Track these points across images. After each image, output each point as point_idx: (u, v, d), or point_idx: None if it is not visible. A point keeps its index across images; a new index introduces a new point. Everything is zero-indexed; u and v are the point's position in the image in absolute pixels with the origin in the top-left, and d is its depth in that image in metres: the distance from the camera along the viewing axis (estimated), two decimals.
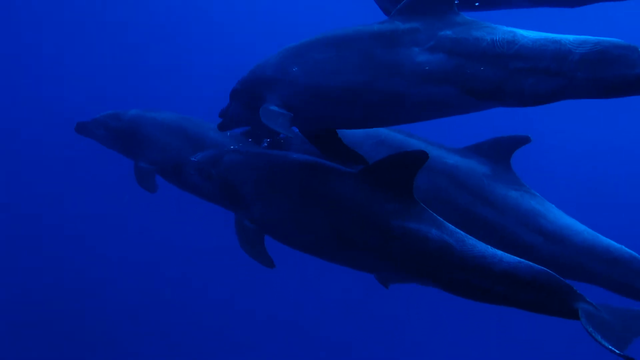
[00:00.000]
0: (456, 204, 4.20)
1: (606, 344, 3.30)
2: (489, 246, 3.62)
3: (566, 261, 4.13)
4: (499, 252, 3.58)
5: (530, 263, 3.56)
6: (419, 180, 3.91)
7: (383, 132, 4.47)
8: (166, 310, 12.35)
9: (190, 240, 12.36)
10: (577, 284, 3.73)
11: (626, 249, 4.16)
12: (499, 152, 4.42)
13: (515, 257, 3.58)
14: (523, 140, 4.41)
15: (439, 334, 11.74)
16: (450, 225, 3.68)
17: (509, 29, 3.52)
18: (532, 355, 11.44)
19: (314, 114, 3.83)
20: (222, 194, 4.19)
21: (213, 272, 12.19)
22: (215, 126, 4.37)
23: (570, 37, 3.44)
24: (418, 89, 3.55)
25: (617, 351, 3.29)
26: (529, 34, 3.48)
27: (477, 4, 4.96)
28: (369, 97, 3.63)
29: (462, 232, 3.67)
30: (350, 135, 4.26)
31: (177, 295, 12.54)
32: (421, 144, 4.39)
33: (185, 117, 5.24)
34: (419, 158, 3.61)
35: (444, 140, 4.57)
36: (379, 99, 3.63)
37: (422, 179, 3.99)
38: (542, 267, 3.56)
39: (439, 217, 3.70)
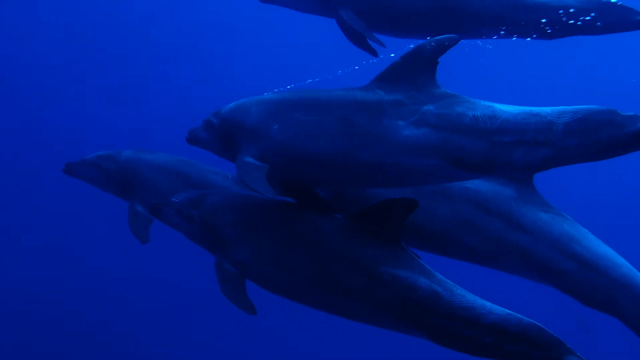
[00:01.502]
0: (485, 232, 4.03)
1: None
2: (478, 297, 3.57)
3: (599, 292, 3.97)
4: (488, 304, 3.53)
5: (520, 316, 3.51)
6: (440, 209, 3.93)
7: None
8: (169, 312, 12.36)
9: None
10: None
11: None
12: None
13: (504, 309, 3.52)
14: None
15: None
16: (439, 274, 3.63)
17: (488, 103, 3.58)
18: None
19: (291, 173, 3.81)
20: (203, 236, 4.10)
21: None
22: (215, 169, 4.42)
23: (547, 109, 3.51)
24: (404, 160, 3.56)
25: None
26: (507, 109, 3.53)
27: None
28: (350, 164, 3.63)
29: (450, 281, 3.62)
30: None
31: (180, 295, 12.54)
32: None
33: (182, 159, 5.18)
34: (409, 205, 3.56)
35: None
36: (361, 167, 3.63)
37: (443, 207, 3.97)
38: (532, 321, 3.51)
39: (427, 266, 3.65)
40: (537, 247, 4.00)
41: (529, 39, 5.30)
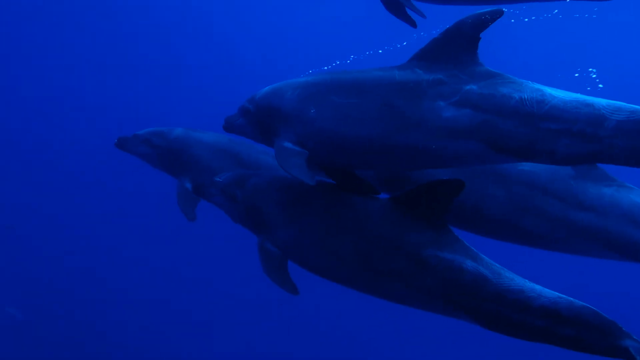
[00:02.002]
0: (546, 214, 3.84)
1: None
2: (527, 280, 3.46)
3: None
4: (538, 287, 3.43)
5: (571, 299, 3.39)
6: (494, 193, 3.79)
7: None
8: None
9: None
10: None
11: None
12: None
13: (554, 292, 3.41)
14: None
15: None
16: (486, 257, 3.52)
17: (537, 86, 3.39)
18: None
19: (330, 157, 3.70)
20: (246, 217, 4.05)
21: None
22: (265, 149, 4.29)
23: (602, 102, 3.29)
24: (444, 143, 3.42)
25: None
26: (558, 94, 3.33)
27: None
28: (390, 148, 3.51)
29: (497, 264, 3.50)
30: None
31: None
32: None
33: (233, 139, 5.11)
34: (456, 187, 3.45)
35: None
36: (401, 150, 3.51)
37: (499, 191, 3.82)
38: (585, 303, 3.38)
39: (473, 249, 3.54)
40: (606, 224, 3.81)
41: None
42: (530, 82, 3.44)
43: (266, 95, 3.86)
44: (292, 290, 3.85)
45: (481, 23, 3.41)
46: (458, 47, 3.48)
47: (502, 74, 3.47)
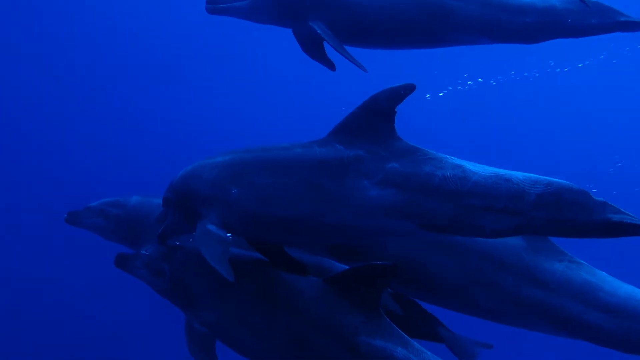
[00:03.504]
0: (499, 288, 3.78)
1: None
2: None
3: (638, 337, 3.72)
4: None
5: None
6: (446, 262, 3.75)
7: None
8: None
9: None
10: None
11: None
12: None
13: None
14: None
15: None
16: (417, 344, 3.44)
17: (457, 161, 3.43)
18: None
19: (256, 236, 3.65)
20: (173, 293, 3.89)
21: None
22: None
23: (519, 175, 3.38)
24: (372, 222, 3.40)
25: None
26: (477, 169, 3.39)
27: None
28: (318, 227, 3.45)
29: (428, 352, 3.42)
30: None
31: None
32: None
33: None
34: (388, 271, 3.39)
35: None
36: (330, 229, 3.46)
37: (449, 260, 3.76)
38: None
39: (405, 335, 3.45)
40: (558, 302, 3.76)
41: (512, 43, 5.10)
42: (449, 156, 3.48)
43: (182, 179, 3.74)
44: None
45: (396, 97, 3.44)
46: (375, 121, 3.49)
47: (421, 148, 3.50)
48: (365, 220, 3.38)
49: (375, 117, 3.48)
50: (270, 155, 3.58)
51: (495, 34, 4.97)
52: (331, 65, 5.12)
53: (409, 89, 3.41)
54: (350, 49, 4.79)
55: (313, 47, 5.00)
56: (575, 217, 3.32)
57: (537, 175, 3.39)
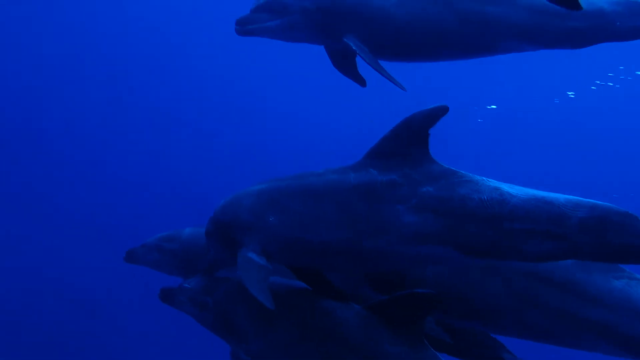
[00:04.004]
0: (552, 308, 3.65)
1: None
2: None
3: None
4: None
5: None
6: (491, 284, 3.64)
7: None
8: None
9: None
10: None
11: None
12: None
13: None
14: None
15: None
16: None
17: (494, 184, 3.34)
18: None
19: (294, 262, 3.66)
20: (217, 324, 3.91)
21: None
22: None
23: (561, 198, 3.26)
24: (409, 249, 3.35)
25: None
26: (517, 192, 3.29)
27: None
28: (354, 254, 3.44)
29: None
30: None
31: None
32: None
33: None
34: (431, 299, 3.33)
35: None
36: (366, 255, 3.44)
37: (494, 282, 3.65)
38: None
39: None
40: (619, 320, 3.60)
41: (558, 48, 4.84)
42: (486, 179, 3.39)
43: (223, 209, 3.80)
44: None
45: (429, 118, 3.38)
46: (408, 144, 3.44)
47: (456, 171, 3.42)
48: (401, 246, 3.33)
49: (409, 140, 3.43)
50: (306, 182, 3.59)
51: (540, 41, 4.74)
52: (362, 82, 5.06)
53: (442, 110, 3.35)
54: (386, 64, 4.69)
55: (346, 64, 4.94)
56: (622, 242, 3.18)
57: (580, 198, 3.27)
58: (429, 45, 4.76)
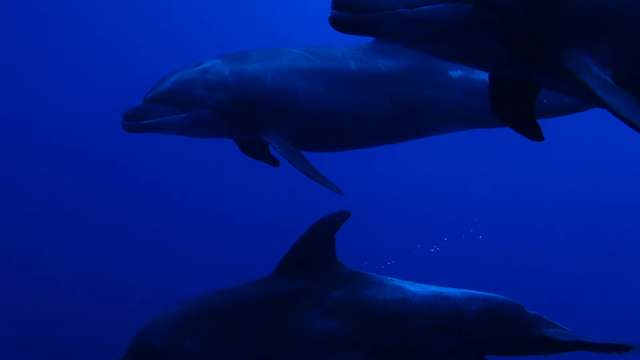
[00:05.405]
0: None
1: None
2: None
3: None
4: None
5: None
6: None
7: None
8: None
9: None
10: None
11: None
12: None
13: None
14: None
15: None
16: None
17: (396, 283, 3.52)
18: None
19: None
20: None
21: None
22: None
23: (457, 293, 3.47)
24: (323, 356, 3.49)
25: None
26: (417, 289, 3.47)
27: None
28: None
29: None
30: None
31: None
32: None
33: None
34: None
35: None
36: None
37: None
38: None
39: None
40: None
41: (492, 128, 4.62)
42: (390, 278, 3.55)
43: (138, 337, 3.97)
44: None
45: (333, 225, 3.56)
46: (316, 251, 3.62)
47: (362, 273, 3.61)
48: (320, 355, 3.46)
49: (316, 247, 3.60)
50: (221, 300, 3.71)
51: (475, 122, 4.56)
52: (274, 162, 4.63)
53: (344, 216, 3.53)
54: (309, 155, 4.18)
55: (258, 151, 4.56)
56: (513, 334, 3.38)
57: (474, 292, 3.47)
58: (363, 134, 4.43)
